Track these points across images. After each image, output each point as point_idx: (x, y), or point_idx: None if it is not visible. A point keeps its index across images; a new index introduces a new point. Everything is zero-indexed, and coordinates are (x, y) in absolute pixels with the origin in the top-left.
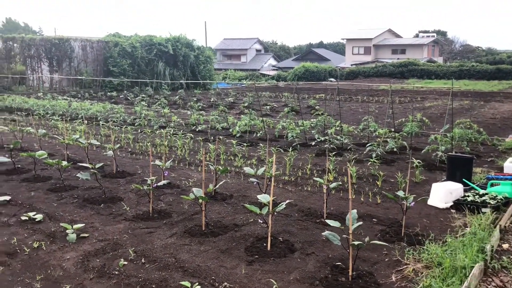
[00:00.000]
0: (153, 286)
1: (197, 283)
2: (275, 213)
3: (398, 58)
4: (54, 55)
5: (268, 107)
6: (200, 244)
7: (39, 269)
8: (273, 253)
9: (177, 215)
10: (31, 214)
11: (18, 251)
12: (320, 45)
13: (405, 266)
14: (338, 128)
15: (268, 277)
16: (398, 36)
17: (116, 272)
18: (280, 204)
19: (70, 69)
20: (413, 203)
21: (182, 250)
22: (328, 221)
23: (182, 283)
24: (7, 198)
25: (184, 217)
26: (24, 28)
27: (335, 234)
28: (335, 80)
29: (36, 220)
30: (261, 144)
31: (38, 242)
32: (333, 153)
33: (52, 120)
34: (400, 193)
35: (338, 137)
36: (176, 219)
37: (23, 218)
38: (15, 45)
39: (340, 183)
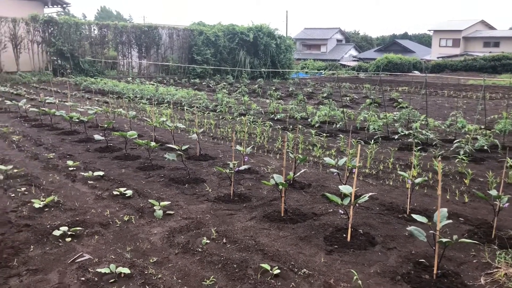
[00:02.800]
0: (234, 265)
1: (276, 267)
2: (356, 205)
3: (490, 52)
4: (143, 42)
5: (348, 98)
6: (279, 229)
7: (129, 241)
8: (353, 245)
9: (256, 200)
10: (122, 189)
11: (111, 222)
12: (405, 36)
13: (496, 270)
14: (423, 123)
15: (348, 268)
16: (491, 27)
17: (199, 250)
18: (362, 196)
19: (157, 55)
20: (507, 204)
21: (262, 234)
22: (415, 216)
23: (262, 265)
24: (101, 173)
25: (263, 202)
26: (116, 16)
27: (420, 230)
28: (419, 73)
29: (127, 195)
30: (340, 135)
31: (128, 216)
32: (418, 148)
33: (141, 104)
34: (493, 192)
35: (423, 132)
36: (255, 204)
37: (115, 192)
38: (108, 31)
39: (426, 178)
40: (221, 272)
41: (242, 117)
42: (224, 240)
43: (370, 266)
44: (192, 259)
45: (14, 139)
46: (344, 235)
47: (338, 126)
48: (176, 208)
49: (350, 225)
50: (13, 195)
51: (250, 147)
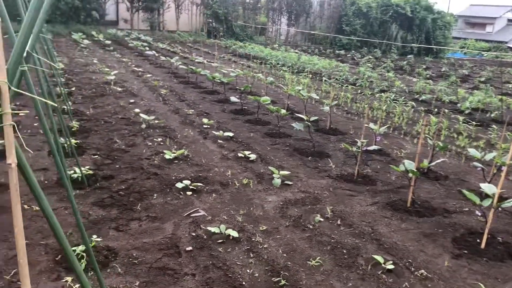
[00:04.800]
0: (344, 251)
1: (390, 262)
2: (499, 209)
3: None
4: (294, 10)
5: (510, 85)
6: (401, 220)
7: (243, 204)
8: (487, 253)
9: (382, 184)
10: (246, 152)
11: (230, 183)
12: None
13: None
14: None
15: (475, 279)
16: None
17: (310, 226)
18: (508, 200)
19: (306, 24)
20: None
21: (381, 222)
22: None
23: (375, 256)
24: (231, 134)
25: (389, 188)
26: None
27: None
28: None
29: (250, 159)
30: (493, 126)
31: (247, 179)
32: None
33: (281, 70)
34: None
35: None
36: (380, 188)
37: (239, 154)
38: None
39: None
40: (328, 254)
41: (382, 94)
42: (339, 222)
43: (505, 282)
44: (301, 235)
45: (162, 92)
46: (478, 240)
47: (492, 115)
48: (295, 180)
49: (487, 230)
50: (150, 144)
51: (385, 126)
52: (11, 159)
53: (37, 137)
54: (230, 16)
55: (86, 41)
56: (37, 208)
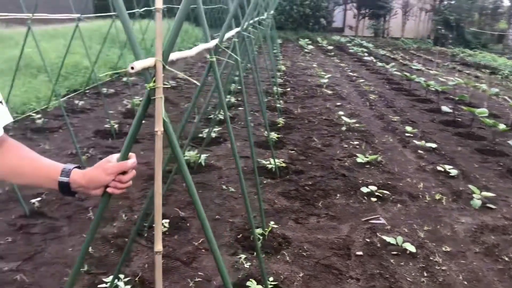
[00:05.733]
0: None
1: None
2: None
3: None
4: None
5: None
6: None
7: (430, 221)
8: None
9: None
10: (447, 167)
11: (420, 196)
12: None
13: None
14: None
15: None
16: None
17: (506, 259)
18: None
19: None
20: None
21: None
22: None
23: None
24: (434, 146)
25: None
26: None
27: None
28: None
29: (450, 174)
30: None
31: (440, 195)
32: None
33: None
34: None
35: None
36: None
37: (438, 168)
38: (503, 1)
39: None
40: None
41: None
42: None
43: None
44: (492, 266)
45: (370, 97)
46: None
47: None
48: (501, 204)
49: None
50: (345, 146)
51: None
52: (158, 128)
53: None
54: (463, 22)
55: (310, 47)
56: (233, 189)
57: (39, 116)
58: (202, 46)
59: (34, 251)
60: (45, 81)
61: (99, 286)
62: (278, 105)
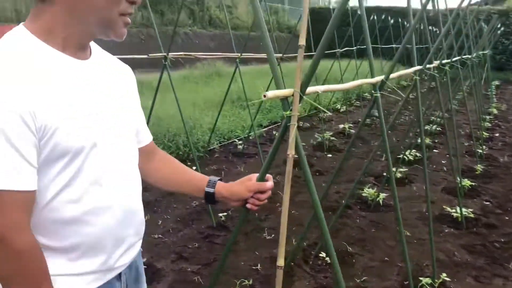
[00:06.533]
0: None
1: None
2: None
3: None
4: None
5: None
6: None
7: None
8: None
9: None
10: None
11: None
12: None
13: None
14: None
15: None
16: None
17: None
18: None
19: None
20: None
21: None
22: None
23: None
24: None
25: None
26: None
27: None
28: None
29: None
30: None
31: None
32: None
33: None
34: None
35: None
36: None
37: None
38: None
39: None
40: None
41: None
42: None
43: None
44: None
45: None
46: None
47: None
48: None
49: None
50: None
51: None
52: (290, 151)
53: (439, 173)
54: None
55: None
56: (408, 233)
57: (240, 142)
58: (362, 81)
59: (213, 259)
60: (252, 113)
61: None
62: (479, 150)
